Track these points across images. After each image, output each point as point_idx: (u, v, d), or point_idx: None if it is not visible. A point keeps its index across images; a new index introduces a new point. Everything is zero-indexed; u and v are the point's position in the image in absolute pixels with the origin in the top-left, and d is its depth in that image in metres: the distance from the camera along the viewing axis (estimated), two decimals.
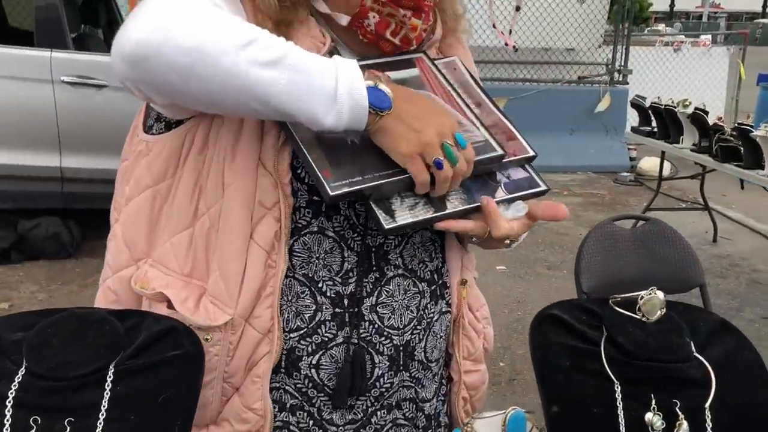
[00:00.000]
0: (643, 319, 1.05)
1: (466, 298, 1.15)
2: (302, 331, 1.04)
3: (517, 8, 1.19)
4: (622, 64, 8.40)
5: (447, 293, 1.15)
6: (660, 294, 1.05)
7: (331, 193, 0.91)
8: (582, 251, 2.49)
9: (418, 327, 1.10)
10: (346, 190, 0.92)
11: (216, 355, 1.00)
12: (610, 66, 8.39)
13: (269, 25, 0.93)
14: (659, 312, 1.05)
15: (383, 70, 0.99)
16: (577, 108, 7.87)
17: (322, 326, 1.04)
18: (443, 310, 1.15)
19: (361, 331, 1.05)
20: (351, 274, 1.04)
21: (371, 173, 0.94)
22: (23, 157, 4.35)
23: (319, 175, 0.92)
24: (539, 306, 1.17)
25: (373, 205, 0.95)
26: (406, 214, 0.97)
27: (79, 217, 4.67)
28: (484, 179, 1.04)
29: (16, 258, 4.47)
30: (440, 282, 1.14)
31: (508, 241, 1.04)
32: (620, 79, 8.37)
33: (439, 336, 1.15)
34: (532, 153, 1.08)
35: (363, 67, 0.92)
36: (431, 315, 1.12)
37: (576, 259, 2.51)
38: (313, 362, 1.05)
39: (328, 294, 1.03)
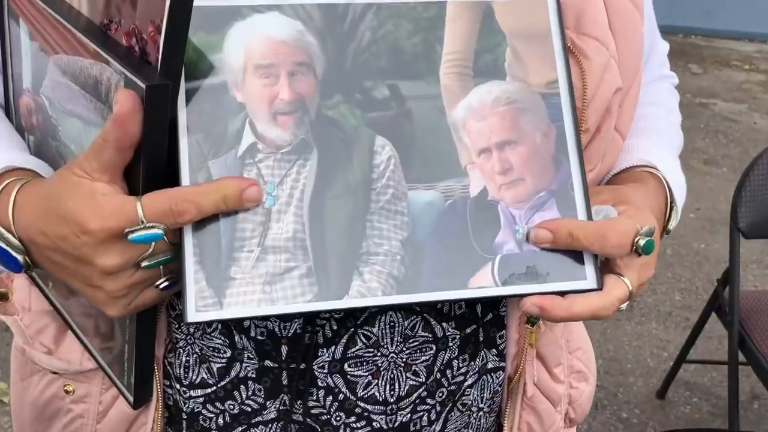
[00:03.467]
0: None
1: (534, 345, 0.77)
2: (209, 391, 0.74)
3: None
4: None
5: (501, 337, 0.78)
6: None
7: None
8: (749, 175, 1.98)
9: (429, 401, 0.76)
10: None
11: (81, 417, 0.79)
12: None
13: None
14: None
15: None
16: None
17: (242, 387, 0.73)
18: (489, 365, 0.79)
19: (311, 403, 0.73)
20: None
21: None
22: None
23: None
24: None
25: (186, 270, 0.56)
26: (254, 296, 0.56)
27: None
28: (459, 235, 0.60)
29: None
30: (486, 319, 0.76)
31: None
32: None
33: (474, 409, 0.80)
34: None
35: None
36: (458, 378, 0.77)
37: (738, 185, 1.99)
38: None
39: (253, 334, 0.71)
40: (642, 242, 0.62)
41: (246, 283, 0.56)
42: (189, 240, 0.55)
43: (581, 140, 0.63)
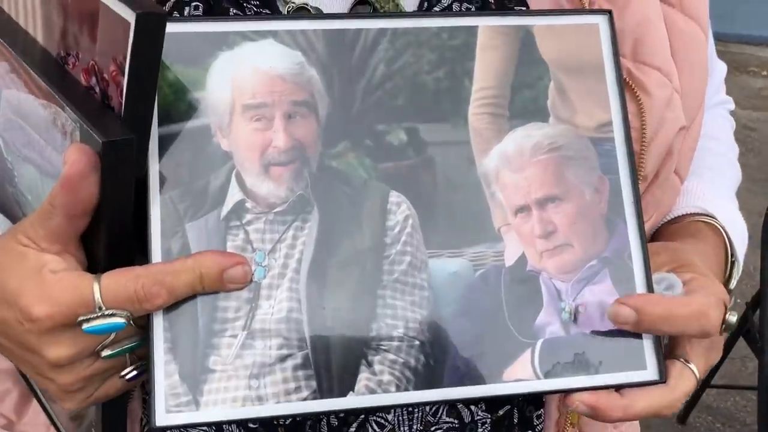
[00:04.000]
0: None
1: (576, 424, 0.69)
2: None
3: None
4: None
5: (538, 417, 0.70)
6: None
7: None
8: None
9: None
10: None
11: None
12: None
13: None
14: None
15: None
16: None
17: None
18: None
19: None
20: None
21: None
22: None
23: None
24: None
25: (155, 360, 0.46)
26: (237, 392, 0.47)
27: None
28: (491, 314, 0.51)
29: None
30: (521, 398, 0.69)
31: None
32: None
33: None
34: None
35: None
36: None
37: None
38: None
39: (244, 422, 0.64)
40: (733, 318, 0.53)
41: (228, 377, 0.48)
42: (158, 323, 0.46)
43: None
